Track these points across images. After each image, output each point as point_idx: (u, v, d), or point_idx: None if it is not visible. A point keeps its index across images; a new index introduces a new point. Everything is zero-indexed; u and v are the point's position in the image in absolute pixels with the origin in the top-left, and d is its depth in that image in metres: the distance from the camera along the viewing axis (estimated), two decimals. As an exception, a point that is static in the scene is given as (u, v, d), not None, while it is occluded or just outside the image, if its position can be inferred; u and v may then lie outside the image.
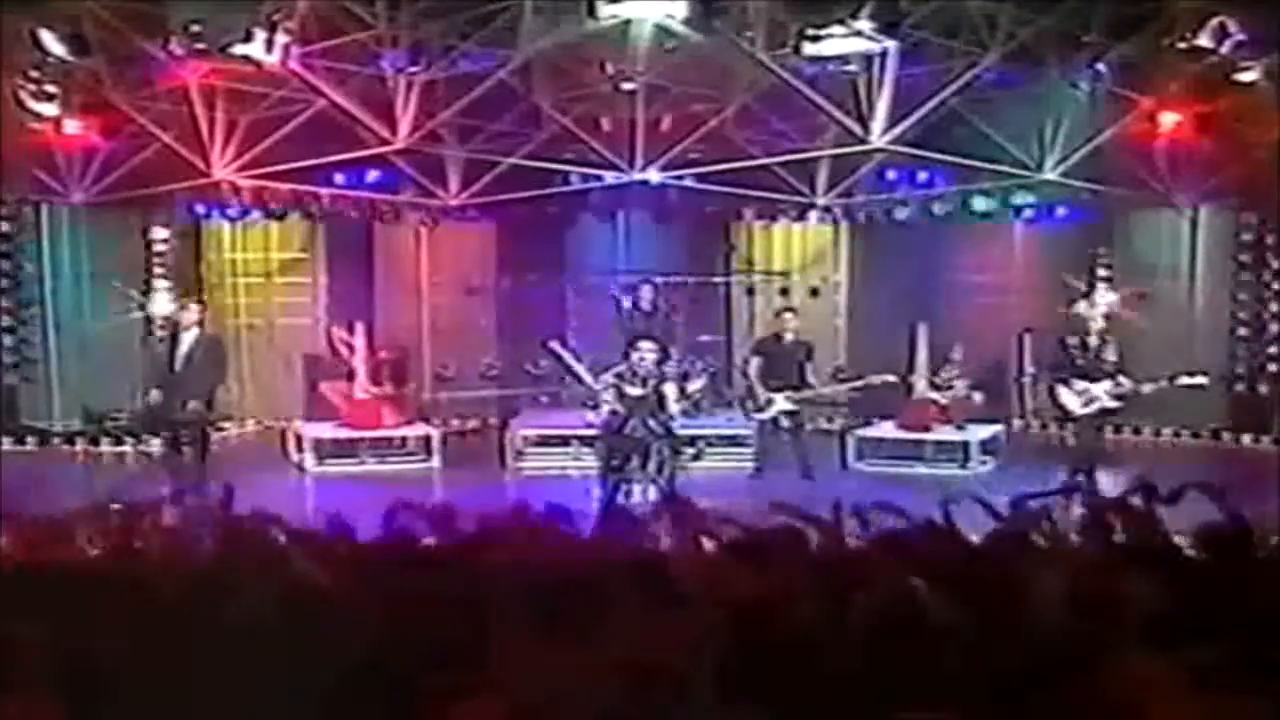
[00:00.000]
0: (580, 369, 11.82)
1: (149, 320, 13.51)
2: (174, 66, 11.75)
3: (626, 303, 13.92)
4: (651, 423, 10.26)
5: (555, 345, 12.56)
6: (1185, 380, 11.43)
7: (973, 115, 12.77)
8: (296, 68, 11.36)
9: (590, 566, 3.42)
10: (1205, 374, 11.64)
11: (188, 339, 11.53)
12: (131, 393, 13.18)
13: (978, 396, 13.47)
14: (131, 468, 13.43)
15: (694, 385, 13.41)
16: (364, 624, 2.97)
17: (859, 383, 13.37)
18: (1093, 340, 11.49)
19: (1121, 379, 11.34)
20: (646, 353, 10.44)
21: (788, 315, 13.32)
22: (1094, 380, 11.34)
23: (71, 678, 2.90)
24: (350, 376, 13.88)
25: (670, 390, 10.48)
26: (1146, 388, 11.43)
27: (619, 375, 10.57)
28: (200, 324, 11.62)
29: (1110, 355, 11.44)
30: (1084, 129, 12.81)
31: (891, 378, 13.14)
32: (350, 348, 13.97)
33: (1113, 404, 11.41)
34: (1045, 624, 3.13)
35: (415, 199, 14.97)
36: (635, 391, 10.33)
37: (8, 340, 14.26)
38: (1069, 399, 11.46)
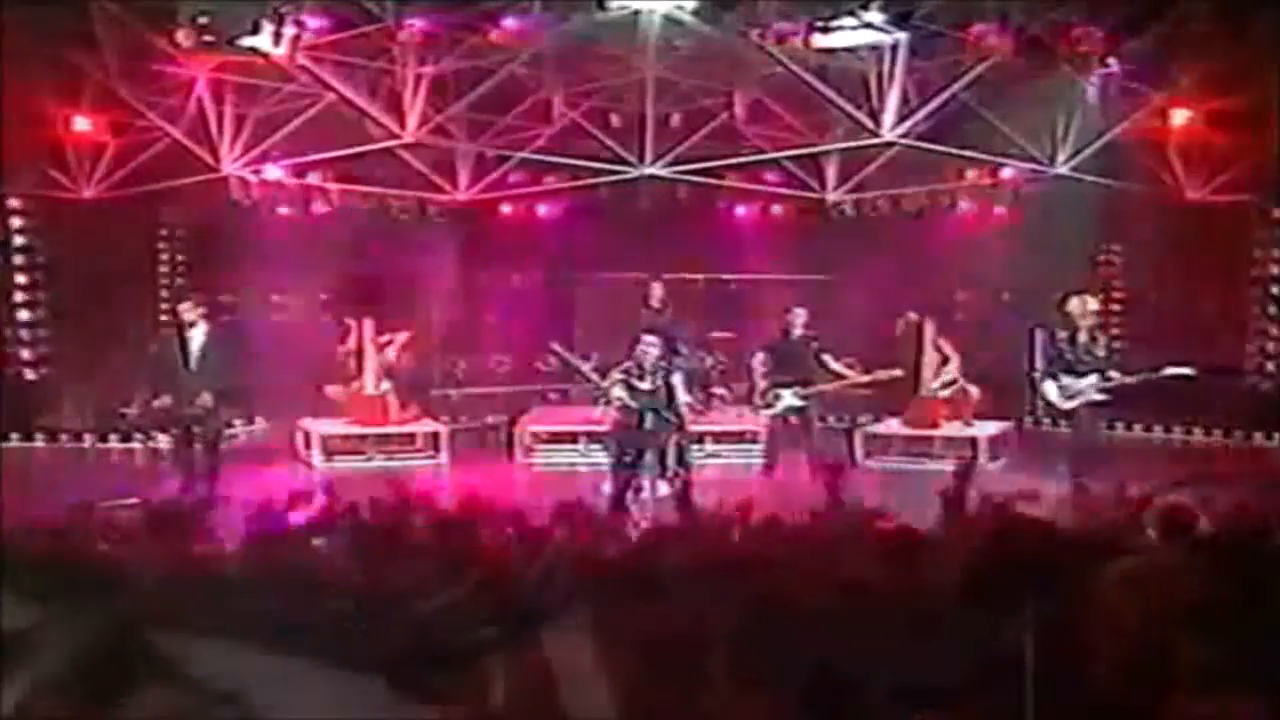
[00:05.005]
0: (585, 368, 11.68)
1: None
2: (182, 60, 11.71)
3: (638, 299, 13.85)
4: (666, 415, 10.19)
5: (558, 348, 12.44)
6: (1171, 370, 11.26)
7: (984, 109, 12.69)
8: (305, 61, 11.31)
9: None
10: (1192, 365, 11.43)
11: (198, 335, 11.33)
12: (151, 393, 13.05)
13: (975, 391, 13.40)
14: (141, 464, 13.41)
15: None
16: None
17: (866, 378, 13.23)
18: (1082, 337, 11.45)
19: (1112, 373, 11.30)
20: (649, 346, 10.37)
21: (797, 311, 13.24)
22: (1079, 375, 11.31)
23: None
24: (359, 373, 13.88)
25: (679, 382, 10.40)
26: (1130, 378, 11.32)
27: (626, 371, 10.51)
28: (206, 319, 11.43)
29: (1099, 351, 11.41)
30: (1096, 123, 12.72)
31: (899, 372, 13.05)
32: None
33: (1099, 397, 11.36)
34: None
35: (423, 194, 14.90)
36: (645, 386, 10.27)
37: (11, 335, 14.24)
38: (1053, 394, 11.48)
